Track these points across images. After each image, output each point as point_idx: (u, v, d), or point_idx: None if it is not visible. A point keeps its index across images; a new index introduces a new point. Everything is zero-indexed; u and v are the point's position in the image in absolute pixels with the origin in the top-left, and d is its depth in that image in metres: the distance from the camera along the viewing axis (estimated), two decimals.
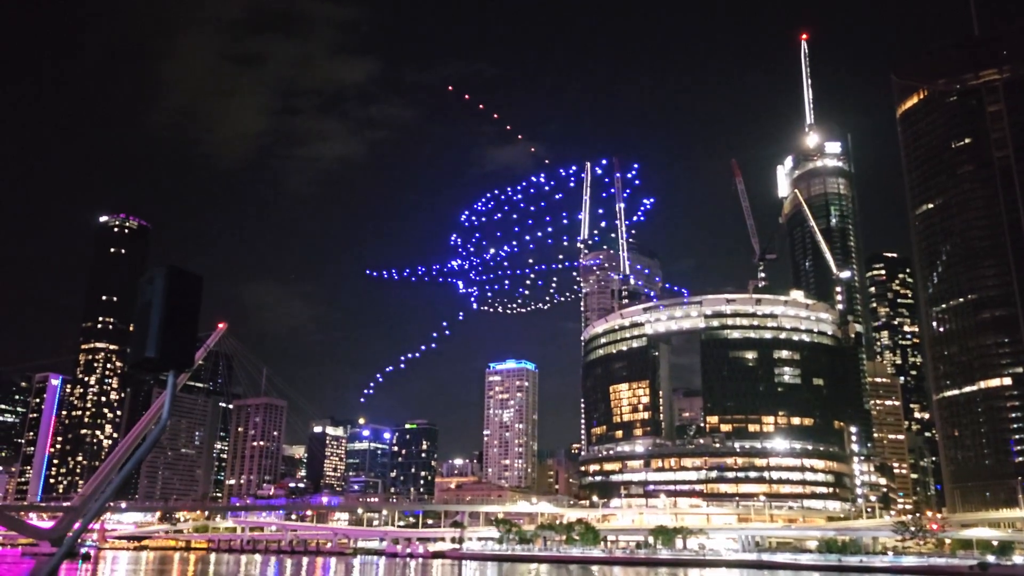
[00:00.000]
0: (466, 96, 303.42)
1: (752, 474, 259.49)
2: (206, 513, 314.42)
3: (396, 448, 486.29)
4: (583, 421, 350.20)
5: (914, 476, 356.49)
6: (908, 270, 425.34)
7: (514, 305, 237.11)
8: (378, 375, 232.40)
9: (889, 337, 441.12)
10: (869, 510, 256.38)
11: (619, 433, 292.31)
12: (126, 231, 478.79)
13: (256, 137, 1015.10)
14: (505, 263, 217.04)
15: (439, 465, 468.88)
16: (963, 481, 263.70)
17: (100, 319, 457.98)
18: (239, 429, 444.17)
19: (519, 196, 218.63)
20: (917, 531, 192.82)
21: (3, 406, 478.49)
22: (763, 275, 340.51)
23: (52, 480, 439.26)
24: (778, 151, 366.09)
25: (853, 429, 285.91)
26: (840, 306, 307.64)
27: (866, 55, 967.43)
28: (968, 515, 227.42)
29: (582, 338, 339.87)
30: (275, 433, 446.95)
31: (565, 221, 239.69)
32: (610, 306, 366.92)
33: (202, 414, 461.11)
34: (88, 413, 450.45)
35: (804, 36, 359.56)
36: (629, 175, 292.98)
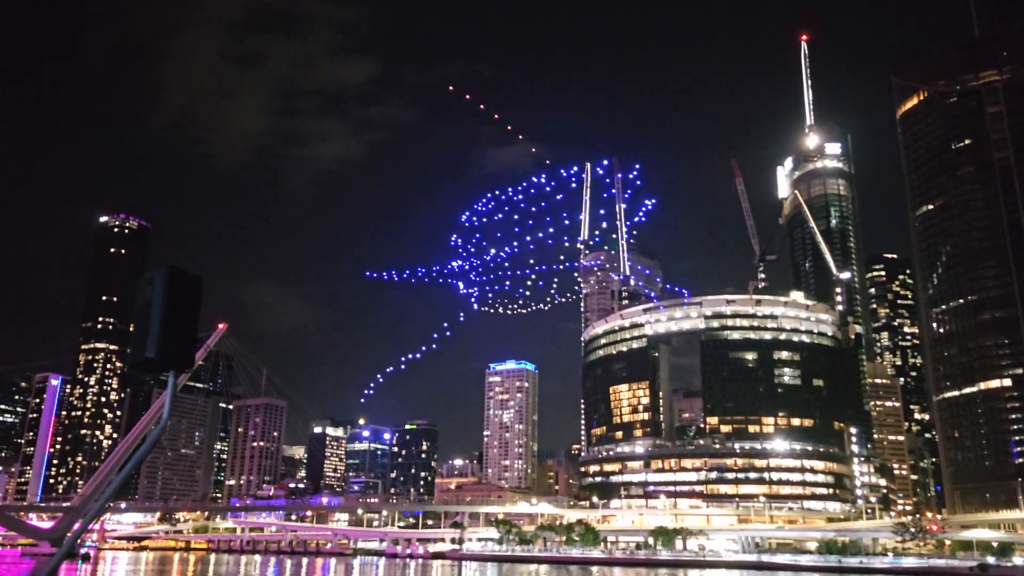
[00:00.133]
0: (467, 96, 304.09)
1: (752, 475, 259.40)
2: (206, 514, 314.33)
3: (396, 449, 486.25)
4: (583, 422, 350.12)
5: (914, 477, 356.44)
6: (908, 271, 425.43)
7: (515, 306, 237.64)
8: (378, 375, 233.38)
9: (889, 338, 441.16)
10: (869, 511, 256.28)
11: (619, 434, 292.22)
12: (126, 231, 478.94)
13: (256, 137, 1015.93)
14: (506, 264, 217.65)
15: (439, 466, 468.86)
16: (963, 482, 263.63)
17: (100, 319, 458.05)
18: (239, 429, 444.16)
19: (519, 197, 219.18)
20: (917, 532, 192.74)
21: (3, 406, 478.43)
22: (763, 276, 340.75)
23: (52, 480, 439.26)
24: (778, 152, 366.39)
25: (853, 430, 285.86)
26: (840, 307, 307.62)
27: (866, 56, 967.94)
28: (968, 516, 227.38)
29: (582, 339, 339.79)
30: (275, 433, 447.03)
31: (567, 222, 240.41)
32: (610, 307, 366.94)
33: (202, 414, 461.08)
34: (88, 413, 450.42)
35: (804, 37, 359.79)
36: (630, 175, 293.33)
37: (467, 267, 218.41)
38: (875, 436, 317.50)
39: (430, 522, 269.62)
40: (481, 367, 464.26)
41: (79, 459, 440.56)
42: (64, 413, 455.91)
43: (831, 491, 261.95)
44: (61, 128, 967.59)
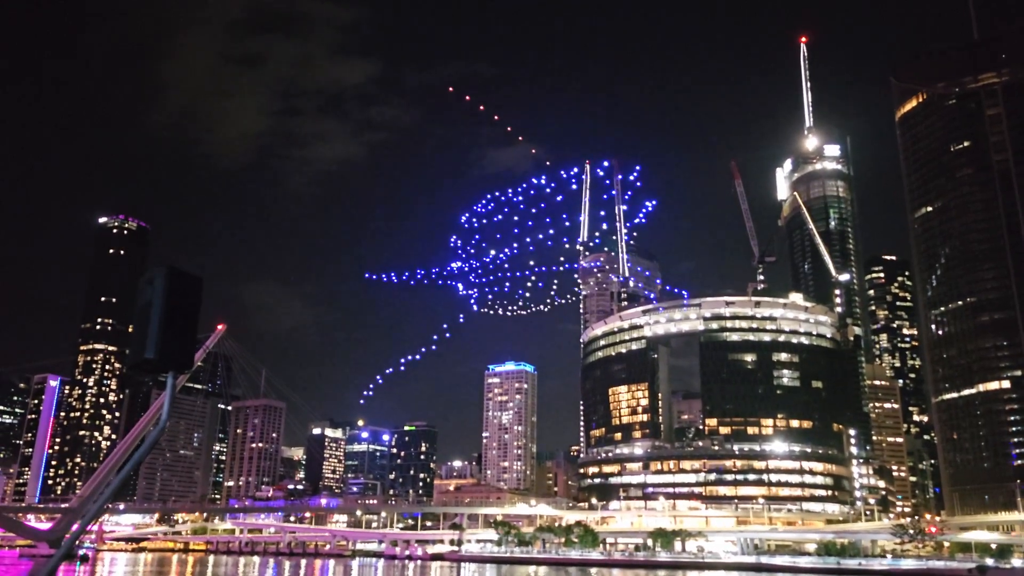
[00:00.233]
0: (467, 97, 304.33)
1: (751, 476, 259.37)
2: (204, 515, 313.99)
3: (395, 450, 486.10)
4: (582, 423, 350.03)
5: (913, 479, 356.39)
6: (907, 273, 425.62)
7: (514, 307, 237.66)
8: (378, 377, 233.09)
9: (888, 340, 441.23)
10: (868, 513, 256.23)
11: (618, 435, 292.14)
12: (125, 232, 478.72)
13: (256, 137, 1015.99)
14: (505, 265, 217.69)
15: (438, 467, 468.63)
16: (962, 484, 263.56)
17: (99, 320, 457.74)
18: (238, 431, 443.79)
19: (519, 198, 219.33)
20: (916, 534, 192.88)
21: (1, 407, 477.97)
22: (762, 277, 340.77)
23: (50, 481, 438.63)
24: (777, 153, 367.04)
25: (852, 432, 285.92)
26: (839, 309, 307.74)
27: (865, 58, 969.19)
28: (967, 518, 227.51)
29: (581, 340, 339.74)
30: (274, 435, 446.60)
31: (567, 224, 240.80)
32: (609, 308, 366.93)
33: (201, 416, 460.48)
34: (87, 414, 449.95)
35: (803, 38, 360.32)
36: (631, 177, 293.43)
37: (467, 268, 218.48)
38: (874, 438, 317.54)
39: (429, 524, 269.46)
40: (480, 368, 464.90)
41: (78, 460, 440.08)
42: (63, 414, 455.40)
43: (830, 493, 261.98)
44: (61, 128, 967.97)
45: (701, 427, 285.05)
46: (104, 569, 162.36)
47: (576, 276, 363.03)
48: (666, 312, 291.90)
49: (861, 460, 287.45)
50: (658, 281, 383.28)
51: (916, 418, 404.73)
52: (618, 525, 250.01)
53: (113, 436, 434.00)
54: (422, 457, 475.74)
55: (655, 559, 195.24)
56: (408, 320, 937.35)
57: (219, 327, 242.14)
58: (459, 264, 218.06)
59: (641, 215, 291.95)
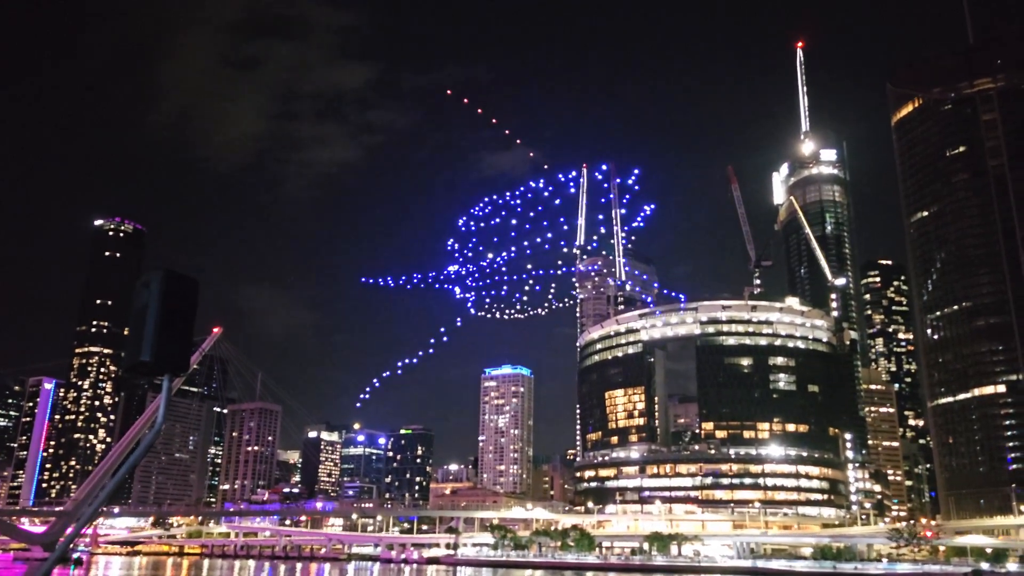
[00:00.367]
0: (465, 100, 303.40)
1: (747, 480, 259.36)
2: (200, 518, 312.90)
3: (391, 453, 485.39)
4: (578, 427, 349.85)
5: (908, 483, 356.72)
6: (903, 277, 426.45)
7: (511, 311, 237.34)
8: (375, 380, 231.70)
9: (884, 344, 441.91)
10: (864, 517, 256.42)
11: (614, 439, 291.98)
12: (121, 234, 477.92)
13: (254, 140, 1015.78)
14: (503, 268, 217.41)
15: (434, 470, 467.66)
16: (957, 488, 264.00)
17: (94, 323, 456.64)
18: (233, 434, 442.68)
19: (517, 201, 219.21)
20: (911, 538, 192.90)
21: None
22: (759, 282, 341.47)
23: (45, 485, 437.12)
24: (774, 158, 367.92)
25: (848, 436, 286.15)
26: (835, 313, 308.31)
27: (861, 63, 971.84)
28: (962, 522, 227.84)
29: (578, 344, 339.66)
30: (270, 438, 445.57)
31: (565, 227, 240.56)
32: (606, 312, 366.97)
33: (196, 419, 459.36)
34: (82, 417, 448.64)
35: (800, 43, 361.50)
36: (629, 181, 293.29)
37: (464, 272, 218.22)
38: (870, 442, 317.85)
39: (425, 527, 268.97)
40: (476, 372, 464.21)
41: (72, 463, 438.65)
42: (57, 417, 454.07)
43: (826, 497, 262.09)
44: (57, 130, 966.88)
45: (697, 431, 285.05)
46: (99, 573, 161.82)
47: (574, 280, 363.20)
48: (662, 316, 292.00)
49: (857, 464, 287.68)
50: (655, 285, 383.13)
51: (912, 422, 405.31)
52: (614, 529, 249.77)
53: (108, 439, 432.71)
54: (418, 461, 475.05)
55: (651, 563, 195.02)
56: (405, 323, 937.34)
57: (215, 330, 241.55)
58: (456, 267, 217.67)
59: (639, 219, 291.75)
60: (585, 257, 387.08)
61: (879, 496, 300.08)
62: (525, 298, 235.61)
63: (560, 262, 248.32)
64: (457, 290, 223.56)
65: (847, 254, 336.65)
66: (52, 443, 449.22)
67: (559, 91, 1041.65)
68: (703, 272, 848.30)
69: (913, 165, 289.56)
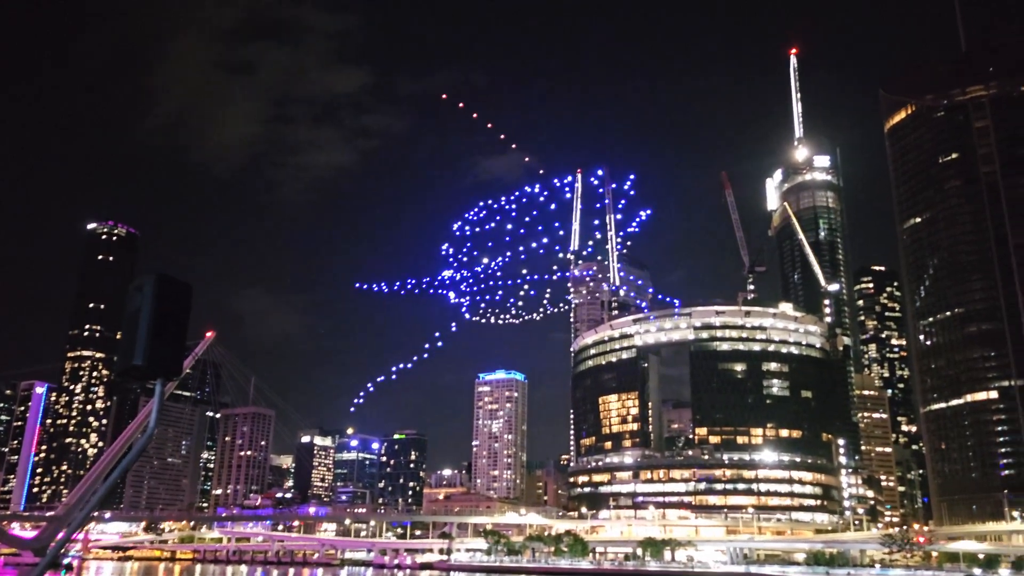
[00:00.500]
0: (460, 104, 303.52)
1: (740, 486, 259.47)
2: (192, 523, 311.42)
3: (384, 458, 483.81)
4: (572, 432, 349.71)
5: (901, 489, 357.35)
6: (896, 283, 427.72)
7: (506, 316, 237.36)
8: (369, 385, 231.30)
9: (877, 350, 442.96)
10: (857, 523, 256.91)
11: (608, 444, 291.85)
12: (115, 238, 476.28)
13: (248, 145, 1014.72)
14: (498, 273, 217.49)
15: (428, 476, 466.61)
16: (950, 494, 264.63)
17: (87, 326, 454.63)
18: (226, 438, 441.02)
19: (512, 206, 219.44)
20: (904, 544, 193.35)
21: None
22: (752, 287, 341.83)
23: (35, 489, 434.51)
24: (768, 164, 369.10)
25: (841, 441, 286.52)
26: (828, 319, 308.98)
27: (855, 70, 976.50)
28: (955, 528, 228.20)
29: (572, 349, 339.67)
30: (263, 443, 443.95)
31: (560, 232, 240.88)
32: (600, 317, 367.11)
33: (189, 423, 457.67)
34: (73, 421, 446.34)
35: (794, 51, 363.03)
36: (625, 186, 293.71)
37: (458, 277, 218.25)
38: (863, 448, 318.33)
39: (418, 532, 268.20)
40: (470, 377, 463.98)
41: (64, 468, 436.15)
42: (49, 421, 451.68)
43: (819, 502, 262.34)
44: (52, 133, 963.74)
45: (691, 436, 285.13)
46: None
47: (569, 285, 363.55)
48: (656, 321, 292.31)
49: (850, 470, 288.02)
50: (650, 290, 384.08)
51: (905, 428, 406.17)
52: (608, 534, 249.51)
53: (100, 443, 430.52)
54: (412, 466, 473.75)
55: (645, 568, 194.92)
56: (399, 328, 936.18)
57: (208, 334, 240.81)
58: (451, 272, 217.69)
59: (634, 224, 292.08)
60: (580, 262, 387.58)
61: (872, 502, 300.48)
62: (520, 303, 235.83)
63: (555, 267, 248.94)
64: (452, 295, 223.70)
65: (840, 260, 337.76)
66: (43, 447, 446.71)
67: (555, 96, 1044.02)
68: (697, 277, 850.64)
69: (906, 172, 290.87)
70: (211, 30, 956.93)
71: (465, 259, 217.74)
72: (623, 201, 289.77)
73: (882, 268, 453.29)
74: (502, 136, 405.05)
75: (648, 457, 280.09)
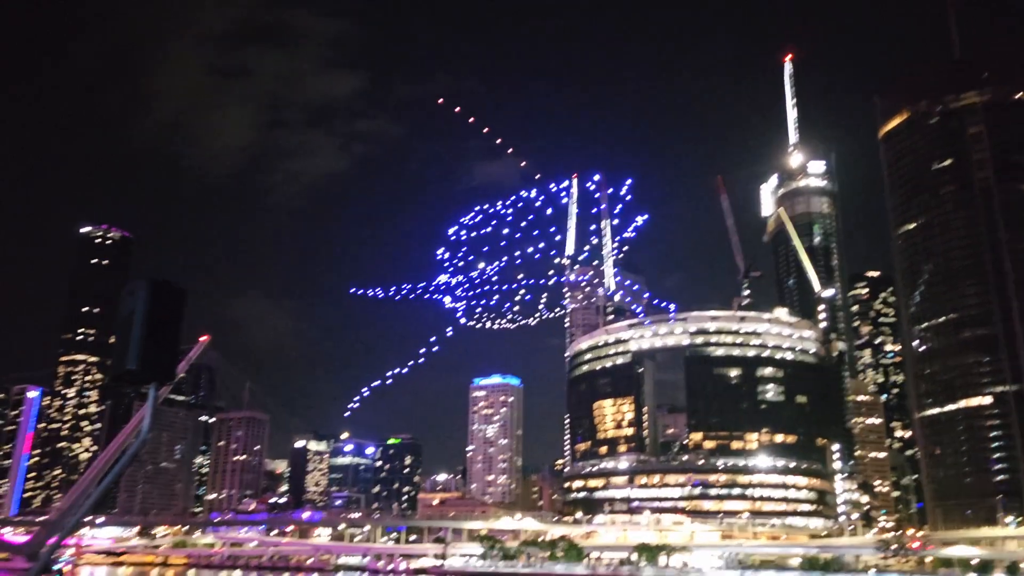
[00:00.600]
0: (456, 109, 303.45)
1: (735, 491, 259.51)
2: (185, 528, 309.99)
3: (379, 463, 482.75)
4: (567, 437, 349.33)
5: (896, 494, 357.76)
6: (890, 289, 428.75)
7: (502, 321, 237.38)
8: (364, 389, 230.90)
9: (871, 355, 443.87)
10: (851, 528, 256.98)
11: (603, 449, 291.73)
12: (108, 242, 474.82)
13: (242, 149, 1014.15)
14: (494, 278, 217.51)
15: (422, 480, 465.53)
16: (944, 499, 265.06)
17: (80, 330, 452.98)
18: (220, 443, 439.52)
19: (508, 211, 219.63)
20: (899, 549, 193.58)
21: None
22: (747, 292, 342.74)
23: (28, 494, 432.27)
24: (763, 170, 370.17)
25: (835, 447, 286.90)
26: (823, 324, 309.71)
27: (849, 76, 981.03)
28: (949, 533, 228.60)
29: (567, 354, 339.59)
30: (257, 447, 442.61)
31: (557, 237, 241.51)
32: (595, 322, 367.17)
33: (183, 428, 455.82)
34: (66, 426, 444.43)
35: (789, 57, 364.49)
36: (621, 191, 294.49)
37: (453, 282, 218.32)
38: (857, 453, 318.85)
39: (413, 538, 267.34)
40: (465, 381, 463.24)
41: (57, 472, 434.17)
42: (42, 425, 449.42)
43: (814, 507, 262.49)
44: (45, 136, 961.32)
45: (686, 441, 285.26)
46: None
47: (565, 290, 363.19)
48: (652, 326, 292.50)
49: (845, 475, 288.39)
50: (646, 295, 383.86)
51: (899, 433, 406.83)
52: (603, 539, 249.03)
53: (93, 448, 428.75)
54: (406, 470, 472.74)
55: (639, 574, 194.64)
56: (394, 332, 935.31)
57: (202, 338, 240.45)
58: (446, 277, 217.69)
59: (631, 229, 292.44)
60: (576, 267, 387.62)
61: (867, 507, 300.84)
62: (516, 308, 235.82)
63: (551, 272, 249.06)
64: (447, 299, 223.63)
65: (835, 265, 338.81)
66: (36, 452, 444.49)
67: (551, 101, 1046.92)
68: (692, 283, 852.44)
69: (900, 177, 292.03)
70: (206, 34, 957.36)
71: (461, 264, 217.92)
72: (620, 206, 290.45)
73: (877, 273, 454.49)
74: (498, 141, 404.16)
75: (643, 462, 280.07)
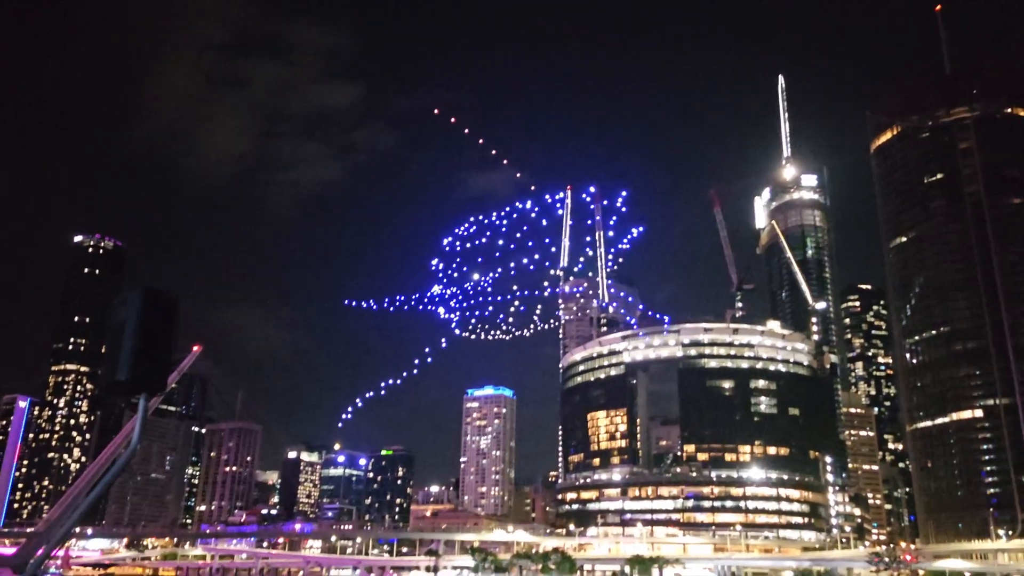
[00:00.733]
0: (452, 119, 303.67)
1: (728, 503, 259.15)
2: (175, 540, 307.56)
3: (371, 475, 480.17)
4: (560, 449, 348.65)
5: (888, 507, 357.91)
6: (882, 302, 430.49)
7: (496, 332, 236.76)
8: (357, 400, 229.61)
9: (863, 368, 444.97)
10: (844, 540, 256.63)
11: (596, 461, 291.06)
12: (101, 251, 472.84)
13: (237, 159, 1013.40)
14: (489, 289, 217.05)
15: (415, 492, 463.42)
16: (936, 512, 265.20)
17: (71, 340, 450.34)
18: (212, 454, 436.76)
19: (503, 222, 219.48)
20: (891, 561, 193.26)
21: None
22: (740, 304, 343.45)
23: (16, 505, 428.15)
24: (756, 182, 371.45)
25: (828, 459, 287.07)
26: (816, 336, 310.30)
27: (842, 91, 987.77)
28: (941, 546, 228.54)
29: (560, 365, 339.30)
30: (248, 458, 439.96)
31: (553, 249, 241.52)
32: (588, 333, 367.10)
33: (174, 438, 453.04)
34: (56, 436, 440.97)
35: (781, 74, 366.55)
36: (617, 203, 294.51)
37: (447, 293, 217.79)
38: (850, 465, 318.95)
39: (405, 550, 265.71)
40: (459, 393, 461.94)
41: (46, 483, 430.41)
42: (31, 436, 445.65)
43: (806, 520, 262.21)
44: (38, 145, 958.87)
45: (679, 453, 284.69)
46: None
47: (560, 301, 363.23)
48: (645, 338, 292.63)
49: (837, 488, 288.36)
50: (640, 307, 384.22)
51: (891, 446, 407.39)
52: (596, 552, 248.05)
53: (83, 459, 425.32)
54: (399, 482, 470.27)
55: None
56: (388, 343, 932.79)
57: (195, 348, 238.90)
58: (440, 288, 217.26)
59: (626, 240, 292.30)
60: (571, 278, 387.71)
61: (859, 519, 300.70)
62: (510, 319, 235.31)
63: (545, 283, 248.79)
64: (441, 311, 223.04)
65: (827, 278, 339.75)
66: (25, 462, 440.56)
67: (546, 112, 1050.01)
68: (686, 294, 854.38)
69: (892, 191, 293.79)
70: (202, 44, 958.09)
71: (455, 274, 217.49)
72: (614, 218, 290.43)
73: (868, 286, 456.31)
74: (493, 152, 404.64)
75: (636, 474, 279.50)
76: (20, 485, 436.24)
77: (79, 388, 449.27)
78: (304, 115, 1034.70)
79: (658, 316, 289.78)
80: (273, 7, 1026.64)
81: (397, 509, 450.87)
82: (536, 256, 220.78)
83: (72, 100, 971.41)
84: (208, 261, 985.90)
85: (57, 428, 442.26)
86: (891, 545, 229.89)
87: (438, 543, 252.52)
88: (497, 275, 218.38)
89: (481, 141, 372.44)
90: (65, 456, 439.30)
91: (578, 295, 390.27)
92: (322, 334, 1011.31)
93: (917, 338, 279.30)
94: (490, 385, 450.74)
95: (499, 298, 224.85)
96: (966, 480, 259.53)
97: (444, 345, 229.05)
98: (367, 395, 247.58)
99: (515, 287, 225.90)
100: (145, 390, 7.82)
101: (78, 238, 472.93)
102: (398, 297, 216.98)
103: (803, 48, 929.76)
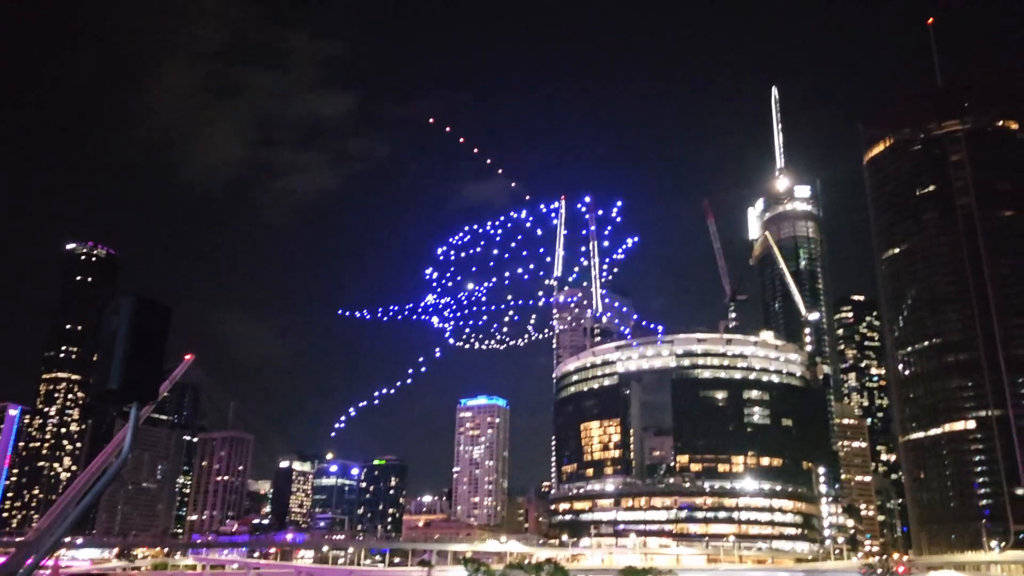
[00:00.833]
0: (447, 128, 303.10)
1: (722, 514, 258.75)
2: (166, 550, 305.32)
3: (364, 484, 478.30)
4: (554, 459, 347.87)
5: (881, 518, 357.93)
6: (875, 313, 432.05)
7: (490, 342, 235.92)
8: (350, 409, 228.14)
9: (856, 379, 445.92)
10: (837, 551, 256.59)
11: (590, 471, 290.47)
12: (94, 259, 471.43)
13: (232, 167, 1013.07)
14: (483, 299, 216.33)
15: (408, 502, 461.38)
16: (929, 523, 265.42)
17: (63, 348, 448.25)
18: (203, 463, 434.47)
19: (497, 231, 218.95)
20: (884, 573, 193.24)
21: None
22: (734, 315, 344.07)
23: (6, 514, 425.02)
24: (749, 194, 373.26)
25: (821, 470, 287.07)
26: (809, 347, 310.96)
27: (835, 103, 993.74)
28: (934, 557, 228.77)
29: (554, 375, 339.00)
30: (240, 468, 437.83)
31: (548, 259, 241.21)
32: (582, 343, 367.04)
33: (165, 447, 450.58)
34: (47, 445, 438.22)
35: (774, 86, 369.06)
36: (612, 213, 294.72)
37: (441, 303, 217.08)
38: (843, 476, 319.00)
39: (397, 560, 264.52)
40: (452, 402, 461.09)
41: (36, 492, 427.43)
42: (21, 444, 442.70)
43: (799, 531, 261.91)
44: (32, 152, 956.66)
45: (672, 464, 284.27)
46: None
47: (554, 311, 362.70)
48: (639, 348, 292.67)
49: (830, 498, 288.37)
50: (634, 317, 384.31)
51: (884, 457, 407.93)
52: (589, 562, 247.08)
53: (74, 468, 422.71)
54: (391, 492, 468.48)
55: None
56: (381, 352, 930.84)
57: (187, 357, 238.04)
58: (434, 297, 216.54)
59: (620, 251, 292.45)
60: (565, 288, 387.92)
61: (852, 530, 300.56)
62: (504, 329, 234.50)
63: (540, 293, 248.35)
64: (435, 320, 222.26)
65: (820, 289, 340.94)
66: (15, 471, 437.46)
67: (542, 122, 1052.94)
68: (680, 305, 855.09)
69: (884, 203, 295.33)
70: (198, 52, 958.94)
71: (449, 284, 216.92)
72: (609, 228, 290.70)
73: (861, 298, 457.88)
74: (488, 161, 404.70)
75: (629, 484, 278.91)
76: (10, 494, 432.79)
77: (70, 396, 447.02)
78: (300, 123, 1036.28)
79: (652, 326, 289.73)
80: (269, 15, 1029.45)
81: (390, 519, 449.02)
82: (530, 266, 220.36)
83: (70, 103, 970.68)
84: (202, 268, 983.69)
85: (48, 437, 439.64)
86: (884, 556, 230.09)
87: (430, 553, 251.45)
88: (491, 285, 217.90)
89: (476, 150, 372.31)
90: (56, 465, 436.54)
91: (572, 305, 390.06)
92: (315, 343, 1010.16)
93: (909, 349, 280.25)
94: (483, 395, 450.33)
95: (493, 308, 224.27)
96: (958, 491, 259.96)
97: (438, 354, 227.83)
98: (360, 404, 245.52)
99: (509, 297, 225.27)
100: (137, 399, 7.88)
101: (71, 245, 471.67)
102: (392, 306, 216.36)
103: (796, 60, 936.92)
